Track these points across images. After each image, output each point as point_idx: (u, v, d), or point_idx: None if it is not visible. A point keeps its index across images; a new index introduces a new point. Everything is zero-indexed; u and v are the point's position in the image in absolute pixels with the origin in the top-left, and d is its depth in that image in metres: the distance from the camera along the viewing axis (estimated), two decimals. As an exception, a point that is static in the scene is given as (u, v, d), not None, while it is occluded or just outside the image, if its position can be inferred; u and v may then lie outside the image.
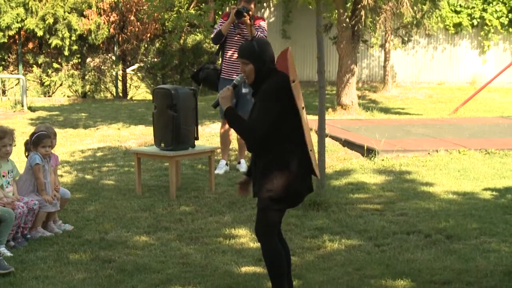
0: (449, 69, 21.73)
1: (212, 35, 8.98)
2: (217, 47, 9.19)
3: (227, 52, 8.76)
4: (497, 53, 21.71)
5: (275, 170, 4.35)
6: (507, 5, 21.20)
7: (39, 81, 21.66)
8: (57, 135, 6.81)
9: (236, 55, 8.62)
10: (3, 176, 6.03)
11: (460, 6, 21.00)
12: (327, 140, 9.48)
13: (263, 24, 8.80)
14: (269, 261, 4.46)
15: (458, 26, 21.42)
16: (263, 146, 4.39)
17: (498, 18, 21.29)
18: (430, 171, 8.78)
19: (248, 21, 8.45)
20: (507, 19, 21.31)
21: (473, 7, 21.12)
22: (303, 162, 4.39)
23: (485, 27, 21.41)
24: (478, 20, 21.34)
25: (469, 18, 21.36)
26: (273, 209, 4.41)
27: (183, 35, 21.02)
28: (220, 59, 9.01)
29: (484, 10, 21.27)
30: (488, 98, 17.67)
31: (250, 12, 8.58)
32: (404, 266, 5.27)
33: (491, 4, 21.20)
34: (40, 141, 6.28)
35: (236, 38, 8.71)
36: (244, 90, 8.75)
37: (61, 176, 8.56)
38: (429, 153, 9.61)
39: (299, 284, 4.89)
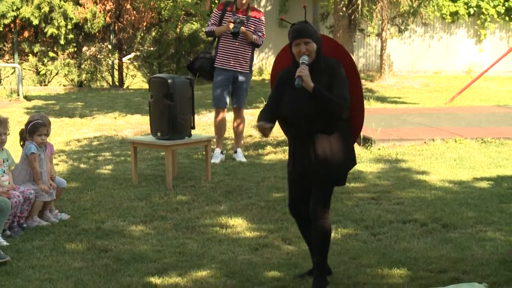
0: (445, 58, 21.72)
1: (206, 29, 8.98)
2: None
3: (222, 43, 8.76)
4: (494, 42, 21.71)
5: (345, 144, 4.58)
6: (503, -6, 21.19)
7: (35, 70, 21.60)
8: (51, 124, 6.80)
9: (230, 45, 8.66)
10: (-1, 165, 6.02)
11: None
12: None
13: (263, 19, 8.84)
14: (328, 238, 4.66)
15: (454, 15, 21.40)
16: (331, 121, 4.51)
17: (494, 7, 21.27)
18: (426, 160, 8.78)
19: (246, 32, 8.59)
20: (504, 8, 21.29)
21: (469, -4, 21.11)
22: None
23: (482, 16, 21.39)
24: (475, 9, 21.32)
25: (465, 7, 21.34)
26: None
27: (179, 24, 20.96)
28: (215, 49, 9.02)
29: (481, -1, 21.25)
30: (484, 87, 17.68)
31: (246, 3, 8.66)
32: (400, 255, 5.28)
33: (487, -7, 21.20)
34: (36, 129, 6.26)
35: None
36: (240, 78, 8.75)
37: (57, 165, 8.55)
38: (425, 142, 9.62)
39: (296, 273, 4.90)
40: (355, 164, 4.74)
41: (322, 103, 4.43)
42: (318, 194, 4.60)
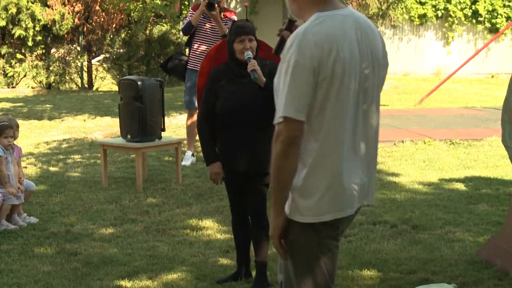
0: (414, 60, 21.91)
1: (182, 26, 8.93)
2: (186, 38, 9.13)
3: (195, 44, 8.71)
4: (461, 44, 21.94)
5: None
6: (471, -3, 21.45)
7: (2, 72, 21.33)
8: (20, 126, 6.74)
9: (203, 46, 8.62)
10: (-34, 168, 5.94)
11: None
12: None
13: (235, 17, 8.80)
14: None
15: (423, 17, 21.61)
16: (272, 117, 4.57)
17: (462, 9, 21.52)
18: (396, 161, 8.85)
19: (218, 17, 8.44)
20: (471, 10, 21.54)
21: (437, -1, 21.34)
22: None
23: (449, 18, 21.62)
24: (443, 11, 21.55)
25: (433, 9, 21.56)
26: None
27: (149, 25, 20.86)
28: (187, 50, 8.98)
29: (448, 1, 21.48)
30: (453, 89, 17.86)
31: (221, 4, 8.58)
32: (370, 256, 5.31)
33: (455, -4, 21.44)
34: (2, 131, 6.19)
35: (206, 30, 8.67)
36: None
37: (26, 168, 8.45)
38: (395, 144, 9.69)
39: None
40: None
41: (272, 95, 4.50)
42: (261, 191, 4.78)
